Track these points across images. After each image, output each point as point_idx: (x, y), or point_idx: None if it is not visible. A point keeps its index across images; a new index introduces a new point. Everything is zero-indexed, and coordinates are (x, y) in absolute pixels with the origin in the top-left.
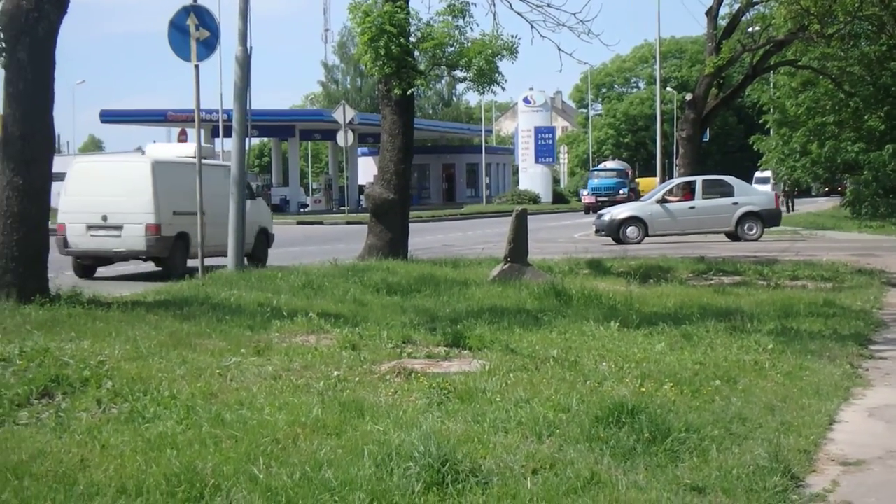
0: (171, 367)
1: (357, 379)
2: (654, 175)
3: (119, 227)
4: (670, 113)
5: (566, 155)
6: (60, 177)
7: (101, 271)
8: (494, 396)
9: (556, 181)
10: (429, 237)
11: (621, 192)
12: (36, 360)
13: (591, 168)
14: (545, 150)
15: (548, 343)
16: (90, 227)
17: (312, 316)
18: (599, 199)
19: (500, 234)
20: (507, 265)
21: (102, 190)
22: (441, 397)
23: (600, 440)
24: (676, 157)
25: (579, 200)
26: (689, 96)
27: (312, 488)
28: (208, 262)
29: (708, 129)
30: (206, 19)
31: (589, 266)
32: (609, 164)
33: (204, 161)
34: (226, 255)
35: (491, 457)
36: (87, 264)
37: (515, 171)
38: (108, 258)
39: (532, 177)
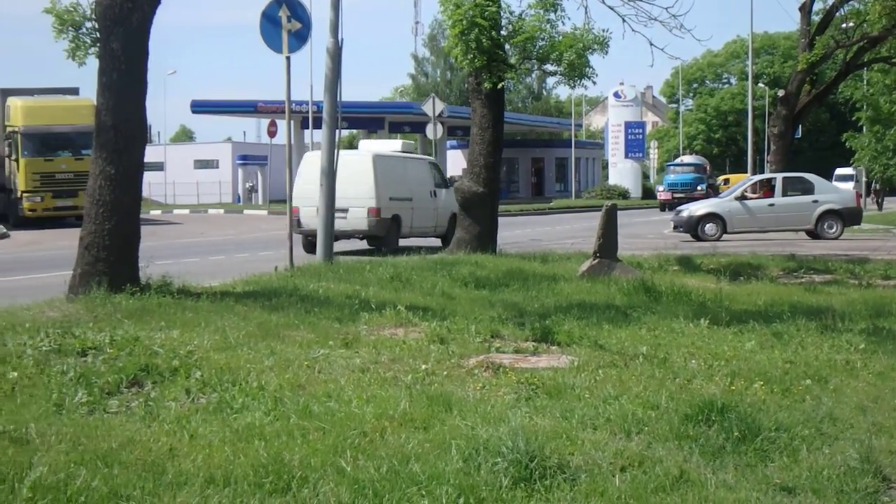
0: (259, 357)
1: (445, 373)
2: (745, 171)
3: (345, 210)
4: (762, 109)
5: (656, 150)
6: (154, 166)
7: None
8: (583, 393)
9: (645, 176)
10: (517, 231)
11: (699, 188)
12: (126, 348)
13: (667, 163)
14: (635, 146)
15: (637, 339)
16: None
17: (400, 309)
18: (676, 195)
19: (588, 229)
20: (597, 260)
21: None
22: (529, 393)
23: (689, 438)
24: (767, 154)
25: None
26: (781, 92)
27: (399, 482)
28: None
29: (800, 126)
30: (297, 11)
31: (678, 262)
32: (686, 158)
33: (411, 155)
34: (428, 237)
35: (579, 453)
36: (313, 241)
37: (605, 166)
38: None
39: (621, 172)
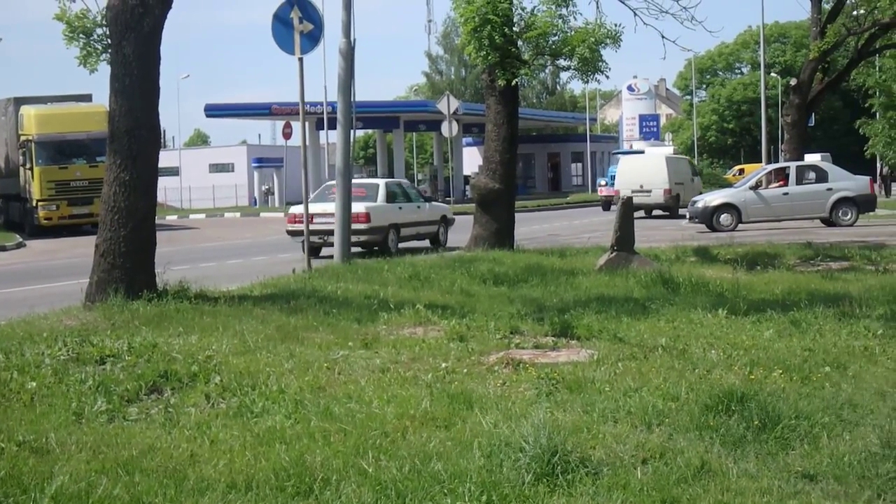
0: (278, 361)
1: (465, 370)
2: (760, 161)
3: (649, 191)
4: (775, 98)
5: (671, 142)
6: (169, 171)
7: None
8: (603, 386)
9: None
10: (534, 227)
11: None
12: (144, 355)
13: (614, 151)
14: (650, 138)
15: (656, 331)
16: (634, 191)
17: (419, 308)
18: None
19: (605, 223)
20: (614, 254)
21: (640, 171)
22: (550, 388)
23: (710, 428)
24: (782, 143)
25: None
26: (793, 81)
27: (422, 481)
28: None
29: (813, 114)
30: (309, 12)
31: (696, 253)
32: (639, 146)
33: (676, 156)
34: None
35: (601, 447)
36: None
37: None
38: (640, 207)
39: None
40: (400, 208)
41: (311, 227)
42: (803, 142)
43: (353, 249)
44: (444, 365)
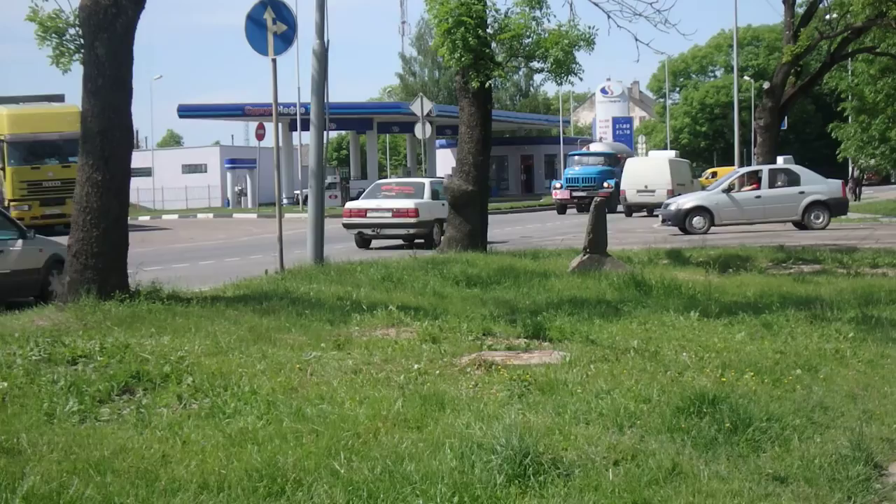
0: (251, 362)
1: (438, 372)
2: (733, 164)
3: (653, 191)
4: (748, 101)
5: (644, 145)
6: (141, 172)
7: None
8: (575, 388)
9: None
10: (507, 229)
11: (606, 183)
12: (117, 356)
13: (571, 152)
14: (623, 140)
15: (628, 333)
16: (639, 191)
17: (392, 309)
18: (576, 193)
19: (578, 226)
20: (587, 256)
21: (645, 172)
22: (522, 389)
23: (682, 430)
24: (754, 146)
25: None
26: (766, 85)
27: (394, 482)
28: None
29: (786, 118)
30: (283, 13)
31: (668, 256)
32: (596, 146)
33: (678, 159)
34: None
35: (572, 448)
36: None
37: None
38: (644, 206)
39: None
40: (443, 205)
41: (365, 220)
42: (776, 145)
43: (395, 242)
44: (416, 366)
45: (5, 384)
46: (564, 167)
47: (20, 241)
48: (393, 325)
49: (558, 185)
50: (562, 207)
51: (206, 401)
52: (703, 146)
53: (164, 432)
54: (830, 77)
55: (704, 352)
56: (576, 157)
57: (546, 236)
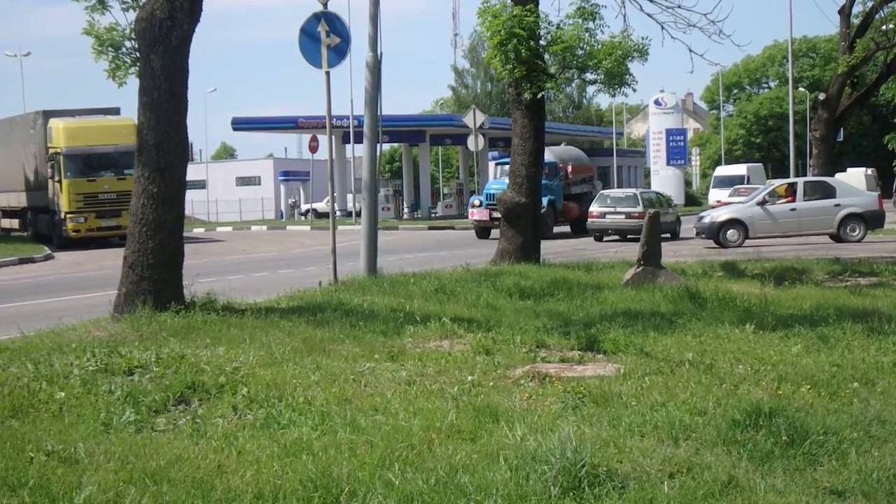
0: (305, 372)
1: (491, 384)
2: (788, 176)
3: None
4: (802, 113)
5: (698, 157)
6: (196, 184)
7: None
8: (630, 400)
9: (687, 183)
10: (560, 241)
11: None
12: (172, 366)
13: (497, 159)
14: (677, 153)
15: (683, 346)
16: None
17: (445, 321)
18: (497, 215)
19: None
20: (641, 268)
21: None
22: (576, 402)
23: (737, 443)
24: (810, 158)
25: (709, 202)
26: (821, 96)
27: (448, 493)
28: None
29: (842, 129)
30: (336, 25)
31: (723, 268)
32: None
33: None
34: None
35: (627, 461)
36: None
37: (647, 174)
38: None
39: (664, 179)
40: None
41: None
42: (832, 157)
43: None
44: (469, 378)
45: (63, 394)
46: (617, 180)
47: (671, 209)
48: (446, 337)
49: (476, 203)
50: (482, 230)
51: (260, 411)
52: (757, 158)
53: (220, 442)
54: (887, 88)
55: (760, 364)
56: (501, 167)
57: (599, 248)
